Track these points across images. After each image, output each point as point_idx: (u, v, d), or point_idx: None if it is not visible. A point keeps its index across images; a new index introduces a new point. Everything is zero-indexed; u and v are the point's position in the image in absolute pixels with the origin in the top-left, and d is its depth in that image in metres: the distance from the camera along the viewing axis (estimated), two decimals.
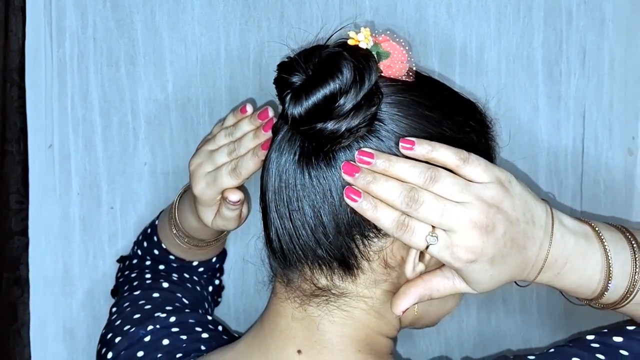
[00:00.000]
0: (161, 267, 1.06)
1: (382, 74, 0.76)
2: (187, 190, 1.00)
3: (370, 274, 0.77)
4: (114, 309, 1.00)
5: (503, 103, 1.14)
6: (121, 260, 1.13)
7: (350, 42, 0.75)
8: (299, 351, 0.78)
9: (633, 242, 0.79)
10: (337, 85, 0.71)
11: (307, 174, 0.74)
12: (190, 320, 0.95)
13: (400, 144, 0.72)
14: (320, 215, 0.74)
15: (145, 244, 1.09)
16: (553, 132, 1.14)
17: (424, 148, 0.72)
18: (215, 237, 1.04)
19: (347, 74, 0.71)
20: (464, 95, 0.83)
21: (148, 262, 1.07)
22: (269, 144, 0.79)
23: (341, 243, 0.75)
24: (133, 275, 1.05)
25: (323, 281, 0.77)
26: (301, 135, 0.74)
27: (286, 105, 0.73)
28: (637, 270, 0.78)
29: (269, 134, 0.85)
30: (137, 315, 0.96)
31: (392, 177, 0.72)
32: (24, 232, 1.14)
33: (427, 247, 0.71)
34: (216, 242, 1.05)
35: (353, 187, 0.72)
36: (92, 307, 1.17)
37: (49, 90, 1.14)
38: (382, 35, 0.77)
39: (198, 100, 1.14)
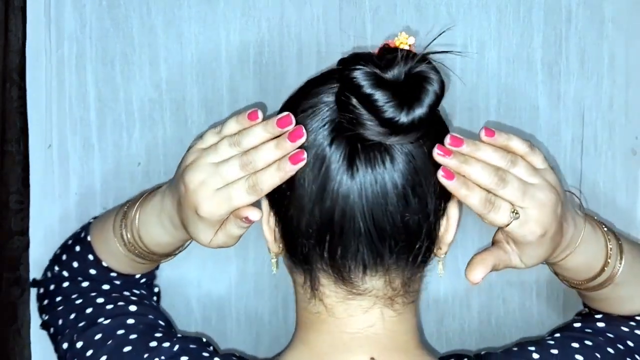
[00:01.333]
0: (105, 287, 0.99)
1: None
2: (152, 201, 0.92)
3: (431, 255, 0.82)
4: (78, 344, 0.92)
5: (503, 103, 1.14)
6: (36, 284, 1.07)
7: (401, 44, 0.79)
8: (372, 359, 0.79)
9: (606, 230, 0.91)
10: (436, 95, 0.74)
11: (407, 189, 0.76)
12: (192, 346, 0.90)
13: (483, 132, 0.80)
14: (419, 223, 0.77)
15: (74, 264, 1.00)
16: (553, 132, 1.14)
17: (502, 137, 0.80)
18: (180, 245, 0.97)
19: (437, 84, 0.75)
20: None
21: (86, 284, 0.99)
22: (300, 157, 0.75)
23: (426, 244, 0.79)
24: (78, 302, 0.97)
25: (398, 282, 0.79)
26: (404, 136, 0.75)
27: (386, 115, 0.73)
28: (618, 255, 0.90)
29: (297, 144, 0.76)
30: (127, 348, 0.89)
31: (478, 159, 0.79)
32: (24, 232, 1.13)
33: (508, 224, 0.78)
34: (178, 250, 0.99)
35: (446, 168, 0.77)
36: None
37: (49, 90, 1.14)
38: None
39: (193, 100, 1.14)
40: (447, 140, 0.77)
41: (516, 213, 0.78)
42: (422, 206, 0.77)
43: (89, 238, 1.01)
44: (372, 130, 0.74)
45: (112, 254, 0.97)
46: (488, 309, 1.17)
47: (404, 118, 0.73)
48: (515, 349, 0.91)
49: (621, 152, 1.13)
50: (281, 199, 0.78)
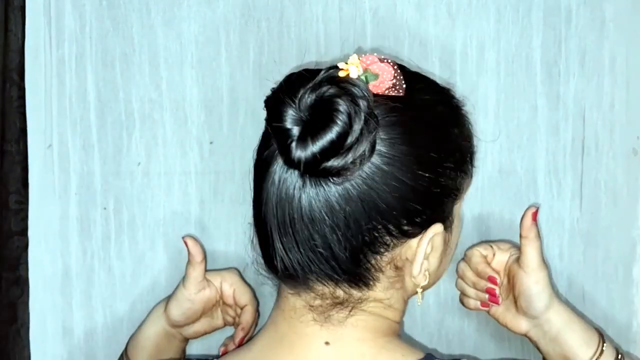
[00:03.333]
0: None
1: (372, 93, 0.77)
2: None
3: (385, 280, 0.81)
4: None
5: (502, 103, 1.14)
6: None
7: (341, 74, 0.76)
8: (327, 343, 0.81)
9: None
10: (340, 128, 0.72)
11: (311, 208, 0.76)
12: None
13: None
14: (333, 245, 0.77)
15: None
16: (552, 132, 1.14)
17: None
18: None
19: (345, 114, 0.73)
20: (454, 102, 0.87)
21: None
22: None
23: (355, 265, 0.79)
24: None
25: (340, 294, 0.80)
26: (307, 173, 0.75)
27: (291, 151, 0.73)
28: None
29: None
30: None
31: None
32: (24, 232, 1.13)
33: None
34: None
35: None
36: (90, 307, 1.16)
37: (49, 90, 1.14)
38: (369, 56, 0.78)
39: (193, 100, 1.14)
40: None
41: None
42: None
43: None
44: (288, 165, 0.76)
45: None
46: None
47: (301, 154, 0.73)
48: None
49: (622, 152, 1.13)
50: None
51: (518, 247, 1.02)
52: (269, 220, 0.78)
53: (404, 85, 0.78)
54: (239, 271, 1.10)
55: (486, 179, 1.15)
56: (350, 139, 0.72)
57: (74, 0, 1.12)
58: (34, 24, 1.12)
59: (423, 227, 0.80)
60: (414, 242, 0.80)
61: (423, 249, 0.80)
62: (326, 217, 0.76)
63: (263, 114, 0.81)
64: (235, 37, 1.13)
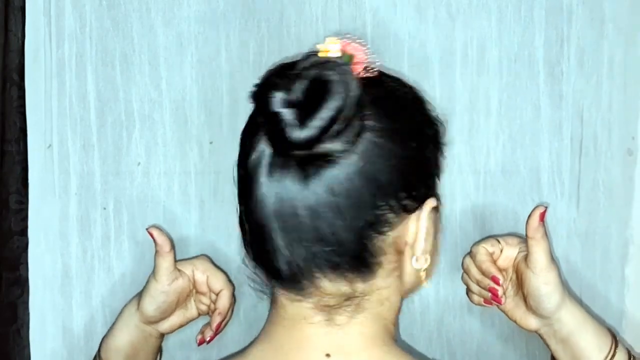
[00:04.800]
0: None
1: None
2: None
3: (386, 265, 0.80)
4: None
5: (504, 103, 1.13)
6: None
7: (321, 54, 0.76)
8: (328, 355, 0.79)
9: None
10: (337, 104, 0.72)
11: (314, 196, 0.75)
12: None
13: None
14: (337, 232, 0.76)
15: None
16: (555, 131, 1.14)
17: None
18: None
19: (339, 92, 0.73)
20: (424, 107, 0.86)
21: None
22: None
23: (360, 248, 0.78)
24: None
25: (344, 289, 0.79)
26: (307, 157, 0.75)
27: (290, 134, 0.72)
28: None
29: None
30: None
31: None
32: (24, 232, 1.14)
33: None
34: None
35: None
36: (90, 307, 1.17)
37: (49, 90, 1.14)
38: (342, 40, 0.78)
39: (193, 100, 1.14)
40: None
41: None
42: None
43: None
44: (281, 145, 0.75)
45: None
46: (491, 309, 1.17)
47: (299, 135, 0.72)
48: None
49: (619, 152, 1.13)
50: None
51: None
52: (268, 222, 0.77)
53: (376, 62, 0.80)
54: (209, 257, 1.09)
55: (489, 178, 1.14)
56: (346, 112, 0.72)
57: (74, 1, 1.12)
58: (34, 24, 1.12)
59: (420, 201, 0.80)
60: (413, 220, 0.80)
61: (424, 223, 0.80)
62: (330, 203, 0.75)
63: None
64: (235, 37, 1.13)
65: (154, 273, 1.04)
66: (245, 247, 0.83)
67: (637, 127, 1.13)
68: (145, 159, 1.15)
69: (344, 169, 0.75)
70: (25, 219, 1.14)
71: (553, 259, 0.98)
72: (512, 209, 1.15)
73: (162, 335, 1.08)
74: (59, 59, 1.13)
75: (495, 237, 1.05)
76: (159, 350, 1.11)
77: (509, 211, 1.15)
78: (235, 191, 1.10)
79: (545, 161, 1.14)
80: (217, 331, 1.05)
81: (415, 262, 0.82)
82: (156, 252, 1.03)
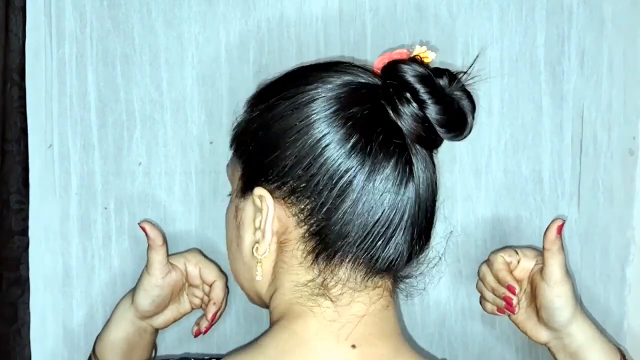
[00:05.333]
0: None
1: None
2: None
3: None
4: None
5: (506, 102, 1.13)
6: None
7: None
8: (353, 346, 0.79)
9: None
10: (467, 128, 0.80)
11: (425, 187, 0.80)
12: None
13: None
14: (431, 223, 0.82)
15: None
16: (556, 131, 1.13)
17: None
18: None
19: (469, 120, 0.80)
20: None
21: None
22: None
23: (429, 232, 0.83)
24: None
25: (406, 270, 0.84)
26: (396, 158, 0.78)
27: (434, 128, 0.78)
28: None
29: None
30: None
31: None
32: (24, 232, 1.14)
33: None
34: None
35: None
36: (90, 307, 1.17)
37: (49, 90, 1.14)
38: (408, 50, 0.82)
39: (193, 100, 1.14)
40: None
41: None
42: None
43: None
44: (410, 126, 0.78)
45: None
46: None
47: (445, 137, 0.79)
48: None
49: (619, 152, 1.12)
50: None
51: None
52: (382, 222, 0.78)
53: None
54: (200, 250, 1.10)
55: (491, 179, 1.14)
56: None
57: (75, 1, 1.12)
58: (34, 24, 1.13)
59: None
60: None
61: None
62: (430, 196, 0.80)
63: None
64: (235, 37, 1.13)
65: (147, 267, 1.05)
66: (312, 249, 0.81)
67: (638, 127, 1.12)
68: (146, 158, 1.15)
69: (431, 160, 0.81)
70: (25, 218, 1.14)
71: (568, 273, 0.99)
72: (513, 210, 1.14)
73: (156, 331, 1.09)
74: (59, 59, 1.14)
75: (513, 247, 1.06)
76: (154, 346, 1.12)
77: (510, 211, 1.14)
78: None
79: (546, 161, 1.14)
80: (213, 321, 1.06)
81: None
82: (148, 246, 1.04)
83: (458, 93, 0.79)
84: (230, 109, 1.13)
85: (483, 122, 1.13)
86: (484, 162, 1.14)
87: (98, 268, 1.16)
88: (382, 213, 0.78)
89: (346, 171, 0.77)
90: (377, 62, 0.82)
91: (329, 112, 0.78)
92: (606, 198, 1.13)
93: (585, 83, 1.12)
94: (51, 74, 1.14)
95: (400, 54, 0.81)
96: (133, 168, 1.15)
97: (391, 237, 0.78)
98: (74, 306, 1.17)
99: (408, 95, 0.77)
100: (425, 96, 0.76)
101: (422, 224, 0.80)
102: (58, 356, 1.17)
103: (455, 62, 1.12)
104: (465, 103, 0.79)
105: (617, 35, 1.10)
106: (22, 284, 1.14)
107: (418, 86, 0.77)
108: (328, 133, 0.77)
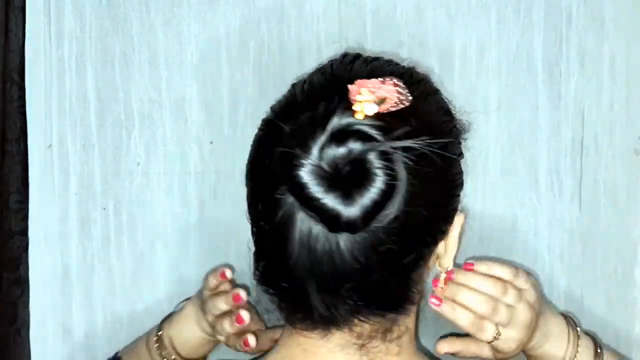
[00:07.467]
0: None
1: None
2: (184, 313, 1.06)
3: (415, 296, 0.79)
4: None
5: (503, 103, 1.13)
6: None
7: (358, 116, 0.69)
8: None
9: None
10: (382, 188, 0.68)
11: (361, 252, 0.70)
12: None
13: (464, 267, 0.92)
14: (383, 282, 0.73)
15: None
16: (553, 132, 1.13)
17: (482, 267, 0.93)
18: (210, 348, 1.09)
19: (382, 175, 0.68)
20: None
21: None
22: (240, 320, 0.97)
23: (407, 289, 0.77)
24: None
25: (386, 323, 0.78)
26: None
27: (328, 213, 0.67)
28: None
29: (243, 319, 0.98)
30: None
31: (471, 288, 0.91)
32: (24, 232, 1.14)
33: (491, 342, 0.91)
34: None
35: (436, 295, 0.89)
36: (90, 307, 1.17)
37: (49, 90, 1.14)
38: (372, 82, 0.72)
39: (193, 100, 1.14)
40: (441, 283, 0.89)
41: (499, 334, 0.91)
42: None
43: None
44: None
45: None
46: None
47: (347, 215, 0.68)
48: None
49: (622, 152, 1.12)
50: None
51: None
52: (304, 278, 0.72)
53: (408, 95, 0.73)
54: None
55: (487, 179, 1.14)
56: (390, 202, 0.69)
57: (74, 0, 1.12)
58: (34, 24, 1.12)
59: (452, 220, 0.80)
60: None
61: (455, 237, 0.81)
62: (374, 257, 0.70)
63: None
64: (235, 37, 1.13)
65: (217, 331, 1.02)
66: (263, 283, 0.79)
67: None
68: (145, 158, 1.15)
69: (390, 224, 0.70)
70: (25, 219, 1.14)
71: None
72: (510, 210, 1.15)
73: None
74: (59, 58, 1.13)
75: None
76: None
77: (507, 212, 1.15)
78: (235, 191, 1.10)
79: (543, 162, 1.14)
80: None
81: (438, 266, 0.84)
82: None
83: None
84: (230, 109, 1.13)
85: (480, 123, 1.13)
86: (481, 163, 1.14)
87: (97, 268, 1.16)
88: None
89: None
90: (353, 90, 0.71)
91: None
92: (608, 198, 1.13)
93: (586, 83, 1.12)
94: (50, 74, 1.13)
95: (374, 84, 0.71)
96: (132, 168, 1.15)
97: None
98: (73, 306, 1.17)
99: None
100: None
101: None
102: (57, 356, 1.17)
103: (453, 63, 1.12)
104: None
105: (618, 35, 1.10)
106: (22, 284, 1.14)
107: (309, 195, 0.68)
108: None
